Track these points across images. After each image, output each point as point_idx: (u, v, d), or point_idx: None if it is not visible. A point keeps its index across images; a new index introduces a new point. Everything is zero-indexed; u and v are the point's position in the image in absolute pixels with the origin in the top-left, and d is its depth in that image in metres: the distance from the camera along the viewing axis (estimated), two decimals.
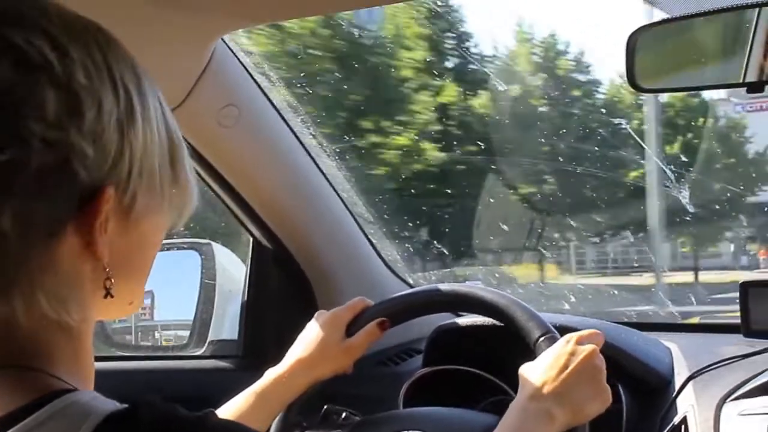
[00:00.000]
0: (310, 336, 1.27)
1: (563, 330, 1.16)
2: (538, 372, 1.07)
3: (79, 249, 0.69)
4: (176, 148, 0.78)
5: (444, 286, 1.30)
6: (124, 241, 0.73)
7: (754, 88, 1.12)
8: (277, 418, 1.26)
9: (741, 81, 1.16)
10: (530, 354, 1.14)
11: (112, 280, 0.72)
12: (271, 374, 1.25)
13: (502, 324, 1.21)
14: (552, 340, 1.12)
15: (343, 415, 1.34)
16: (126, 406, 0.67)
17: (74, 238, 0.69)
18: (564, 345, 1.09)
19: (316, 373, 1.25)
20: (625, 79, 1.17)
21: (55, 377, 0.69)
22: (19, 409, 0.65)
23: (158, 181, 0.75)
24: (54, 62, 0.67)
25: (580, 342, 1.09)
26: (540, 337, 1.14)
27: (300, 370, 1.24)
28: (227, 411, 1.21)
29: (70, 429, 0.64)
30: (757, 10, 1.17)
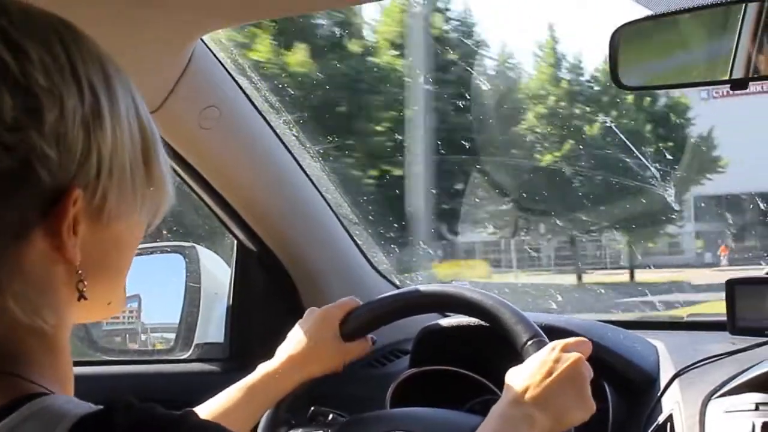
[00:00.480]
0: (302, 333, 1.27)
1: (549, 330, 1.16)
2: (522, 377, 1.06)
3: (48, 252, 0.68)
4: (150, 146, 0.76)
5: (433, 287, 1.30)
6: (97, 242, 0.72)
7: (738, 85, 1.12)
8: (266, 415, 1.26)
9: (727, 78, 1.15)
10: (517, 355, 1.13)
11: (85, 283, 0.71)
12: (262, 370, 1.24)
13: (490, 325, 1.21)
14: (539, 344, 1.11)
15: (330, 416, 1.33)
16: (100, 408, 0.66)
17: (43, 242, 0.68)
18: (549, 352, 1.08)
19: (308, 370, 1.25)
20: (609, 76, 1.16)
21: (29, 381, 0.68)
22: None
23: (130, 180, 0.73)
24: (10, 63, 0.66)
25: (566, 349, 1.08)
26: (527, 341, 1.13)
27: (292, 367, 1.24)
28: (216, 404, 1.20)
29: (44, 431, 0.63)
30: (743, 5, 1.17)
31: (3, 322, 0.67)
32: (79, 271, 0.70)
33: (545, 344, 1.11)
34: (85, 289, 0.71)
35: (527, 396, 1.03)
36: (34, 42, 0.68)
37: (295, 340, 1.26)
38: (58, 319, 0.71)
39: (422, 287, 1.31)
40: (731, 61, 1.17)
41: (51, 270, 0.69)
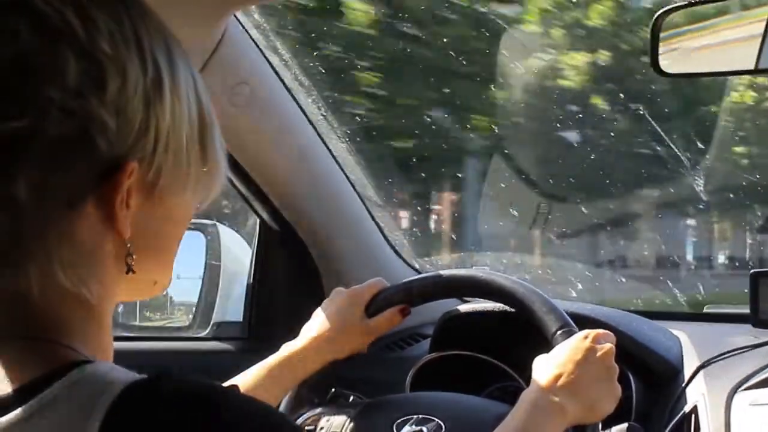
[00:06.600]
0: (328, 313, 1.26)
1: (575, 318, 1.15)
2: (554, 365, 1.05)
3: (99, 223, 0.68)
4: (207, 127, 0.76)
5: (462, 272, 1.28)
6: (148, 218, 0.72)
7: None
8: (289, 394, 1.26)
9: None
10: (542, 342, 1.13)
11: (134, 256, 0.71)
12: (286, 350, 1.24)
13: (518, 312, 1.20)
14: (569, 334, 1.10)
15: (351, 398, 1.33)
16: (145, 376, 0.65)
17: (95, 212, 0.68)
18: (582, 340, 1.07)
19: (333, 351, 1.24)
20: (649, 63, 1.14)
21: (70, 348, 0.68)
22: (38, 379, 0.64)
23: (185, 158, 0.73)
24: (77, 29, 0.66)
25: (597, 340, 1.07)
26: (558, 330, 1.12)
27: (317, 348, 1.23)
28: (240, 382, 1.19)
29: (90, 399, 0.62)
30: None
31: (48, 289, 0.67)
32: (129, 245, 0.70)
33: (574, 334, 1.10)
34: (133, 263, 0.71)
35: (559, 384, 1.02)
36: (102, 11, 0.68)
37: (320, 321, 1.25)
38: (102, 291, 0.71)
39: (450, 272, 1.30)
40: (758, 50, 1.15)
41: (101, 241, 0.69)
